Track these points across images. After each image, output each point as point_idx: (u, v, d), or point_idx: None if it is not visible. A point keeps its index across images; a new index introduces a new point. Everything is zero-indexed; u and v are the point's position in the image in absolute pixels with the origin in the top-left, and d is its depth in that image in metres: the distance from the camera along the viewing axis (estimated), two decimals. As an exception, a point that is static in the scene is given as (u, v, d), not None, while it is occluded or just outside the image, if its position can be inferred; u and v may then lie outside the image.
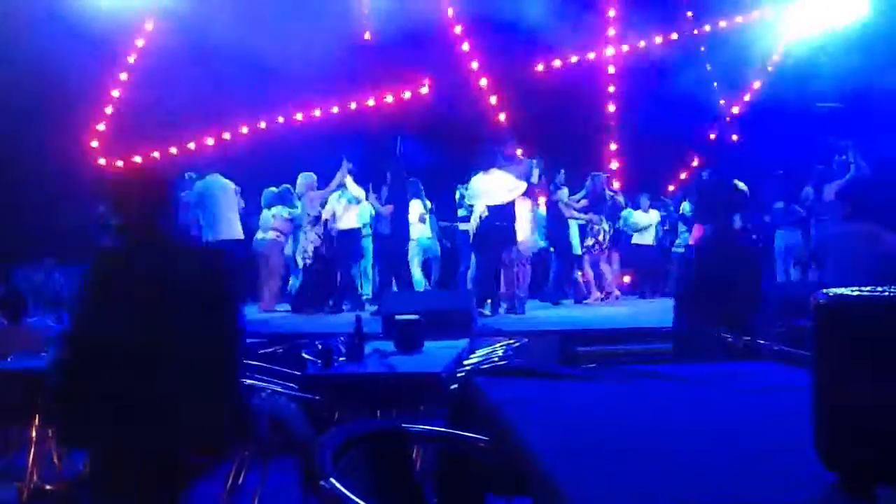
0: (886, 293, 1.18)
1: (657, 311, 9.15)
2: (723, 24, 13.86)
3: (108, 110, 13.13)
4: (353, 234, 9.97)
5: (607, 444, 1.49)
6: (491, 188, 8.95)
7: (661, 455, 1.40)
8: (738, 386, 2.14)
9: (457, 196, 10.60)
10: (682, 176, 14.04)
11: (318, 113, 13.84)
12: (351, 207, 9.90)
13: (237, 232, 9.02)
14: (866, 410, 1.12)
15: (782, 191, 10.54)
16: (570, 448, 1.45)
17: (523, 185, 9.00)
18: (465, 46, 14.01)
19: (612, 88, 13.95)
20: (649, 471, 1.31)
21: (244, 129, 13.52)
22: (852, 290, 1.20)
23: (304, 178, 10.06)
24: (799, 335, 4.68)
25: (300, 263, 10.08)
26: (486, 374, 2.39)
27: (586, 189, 10.82)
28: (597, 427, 1.64)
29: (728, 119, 14.07)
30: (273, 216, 10.44)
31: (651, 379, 2.25)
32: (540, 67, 13.89)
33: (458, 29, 14.04)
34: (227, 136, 13.45)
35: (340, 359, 5.01)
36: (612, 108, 13.80)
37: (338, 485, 1.13)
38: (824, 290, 1.23)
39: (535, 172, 9.42)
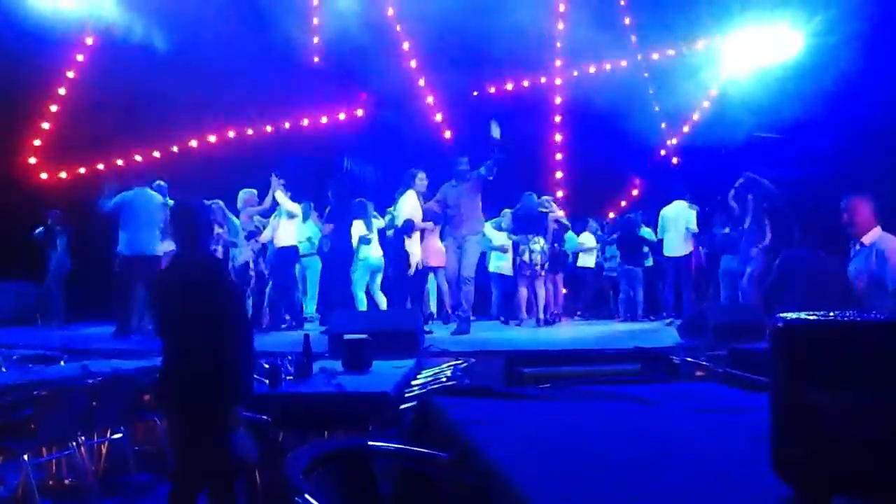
0: (840, 317, 1.24)
1: (598, 333, 9.30)
2: (658, 55, 14.30)
3: (46, 125, 12.81)
4: (287, 252, 9.73)
5: (571, 461, 1.52)
6: (401, 210, 9.14)
7: (625, 472, 1.44)
8: (688, 405, 2.21)
9: None
10: (623, 202, 14.35)
11: (269, 129, 13.78)
12: (286, 224, 9.72)
13: (152, 248, 8.79)
14: (822, 426, 1.17)
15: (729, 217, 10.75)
16: (536, 466, 1.48)
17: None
18: (413, 64, 14.13)
19: (557, 118, 14.20)
20: (615, 487, 1.35)
21: (193, 143, 13.36)
22: (808, 315, 1.27)
23: (244, 194, 9.95)
24: (739, 358, 4.84)
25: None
26: (445, 394, 2.41)
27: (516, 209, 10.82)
28: (559, 445, 1.68)
29: (671, 144, 14.45)
30: None
31: (605, 399, 2.30)
32: (492, 90, 14.10)
33: (405, 45, 14.15)
34: (174, 149, 13.27)
35: (288, 378, 4.97)
36: (557, 135, 14.02)
37: (313, 501, 1.14)
38: (782, 315, 1.29)
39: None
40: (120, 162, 12.63)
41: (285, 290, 9.90)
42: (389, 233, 10.13)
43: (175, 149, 13.24)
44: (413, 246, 9.39)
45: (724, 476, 1.42)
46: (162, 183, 9.61)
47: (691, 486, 1.38)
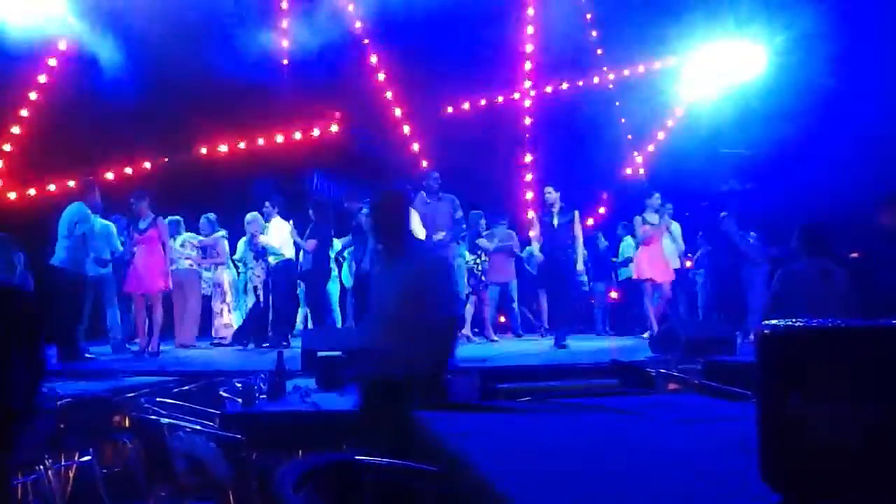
0: (823, 324, 1.26)
1: (572, 348, 9.31)
2: (625, 72, 14.48)
3: (8, 147, 12.58)
4: (285, 265, 9.80)
5: (560, 473, 1.52)
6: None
7: (614, 482, 1.44)
8: (670, 416, 2.22)
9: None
10: (590, 220, 14.42)
11: (241, 146, 13.67)
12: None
13: (59, 259, 8.71)
14: (808, 433, 1.19)
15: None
16: (524, 477, 1.48)
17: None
18: (381, 76, 14.13)
19: (527, 131, 14.28)
20: (605, 496, 1.35)
21: (166, 159, 13.20)
22: (793, 322, 1.28)
23: (251, 217, 10.00)
24: (714, 370, 4.90)
25: (250, 299, 9.98)
26: (428, 408, 2.40)
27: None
28: (547, 457, 1.68)
29: (638, 161, 14.60)
30: (181, 245, 10.15)
31: (587, 411, 2.31)
32: (466, 106, 14.15)
33: (373, 59, 14.16)
34: (147, 165, 13.11)
35: (261, 396, 4.92)
36: (528, 155, 14.09)
37: (306, 516, 1.13)
38: (767, 322, 1.31)
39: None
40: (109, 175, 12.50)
41: (282, 304, 9.89)
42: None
43: (147, 165, 13.09)
44: None
45: (713, 484, 1.43)
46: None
47: (681, 495, 1.39)
